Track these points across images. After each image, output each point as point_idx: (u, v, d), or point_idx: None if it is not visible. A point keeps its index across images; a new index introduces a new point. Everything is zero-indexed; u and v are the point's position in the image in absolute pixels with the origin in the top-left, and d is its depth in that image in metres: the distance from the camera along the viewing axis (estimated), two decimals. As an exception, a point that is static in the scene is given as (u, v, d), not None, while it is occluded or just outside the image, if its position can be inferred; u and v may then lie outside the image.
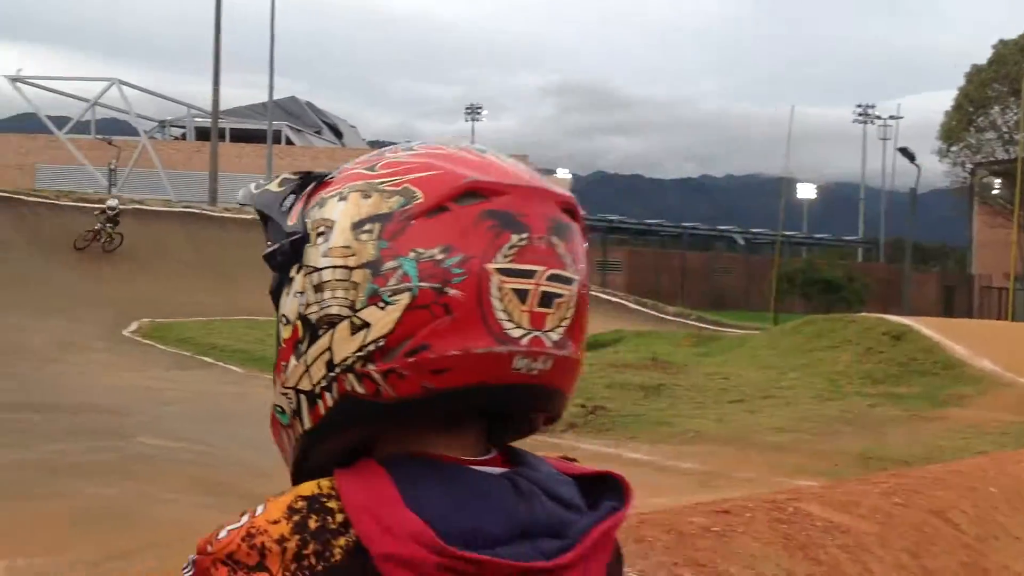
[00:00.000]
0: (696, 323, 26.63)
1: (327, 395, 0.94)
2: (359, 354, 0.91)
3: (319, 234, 0.95)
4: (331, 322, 0.93)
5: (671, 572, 3.57)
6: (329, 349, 0.93)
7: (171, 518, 6.37)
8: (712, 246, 61.34)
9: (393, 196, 0.93)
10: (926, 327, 15.24)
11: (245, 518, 0.90)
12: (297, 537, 0.87)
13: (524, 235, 0.92)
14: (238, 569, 0.87)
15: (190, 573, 0.91)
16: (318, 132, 74.71)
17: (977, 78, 49.44)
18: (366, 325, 0.91)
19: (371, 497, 0.88)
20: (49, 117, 61.31)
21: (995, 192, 49.26)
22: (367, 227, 0.92)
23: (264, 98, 46.69)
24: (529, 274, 0.92)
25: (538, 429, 1.05)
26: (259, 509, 0.90)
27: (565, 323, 0.96)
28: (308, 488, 0.91)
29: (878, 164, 79.11)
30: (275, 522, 0.88)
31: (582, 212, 1.03)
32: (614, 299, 29.39)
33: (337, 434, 0.95)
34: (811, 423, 10.59)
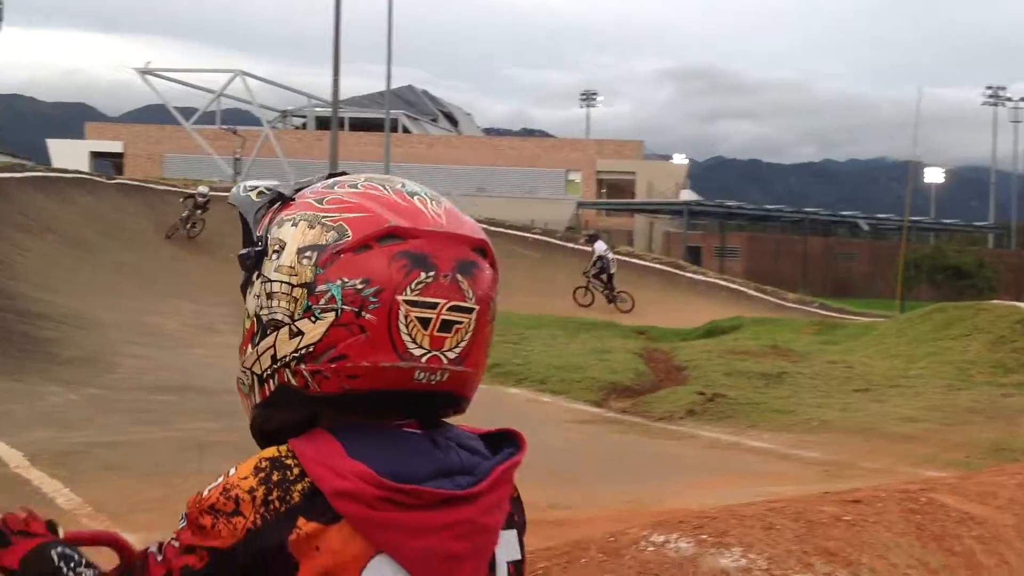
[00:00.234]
0: (818, 310, 26.05)
1: (271, 381, 1.21)
2: (295, 355, 1.17)
3: (274, 251, 1.21)
4: (276, 325, 1.19)
5: (801, 560, 3.51)
6: (273, 346, 1.19)
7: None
8: (834, 232, 59.90)
9: (330, 231, 1.18)
10: (1062, 315, 14.63)
11: (221, 479, 1.15)
12: (263, 487, 1.12)
13: (431, 273, 1.16)
14: (219, 516, 1.12)
15: (183, 524, 1.16)
16: (434, 120, 75.42)
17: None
18: (301, 333, 1.17)
19: (320, 451, 1.14)
20: (176, 108, 63.21)
21: None
22: (307, 254, 1.17)
23: (382, 87, 47.32)
24: (432, 306, 1.16)
25: (447, 418, 1.28)
26: (232, 471, 1.15)
27: (462, 345, 1.20)
28: (270, 452, 1.16)
29: (1009, 147, 76.24)
30: (244, 478, 1.14)
31: (493, 250, 1.26)
32: (732, 286, 28.97)
33: (281, 411, 1.22)
34: (940, 413, 10.26)
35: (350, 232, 1.17)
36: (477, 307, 1.21)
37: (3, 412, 8.71)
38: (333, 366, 1.16)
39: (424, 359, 1.17)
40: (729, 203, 55.85)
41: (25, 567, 1.23)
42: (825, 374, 12.42)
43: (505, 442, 1.29)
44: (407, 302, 1.15)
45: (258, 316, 1.22)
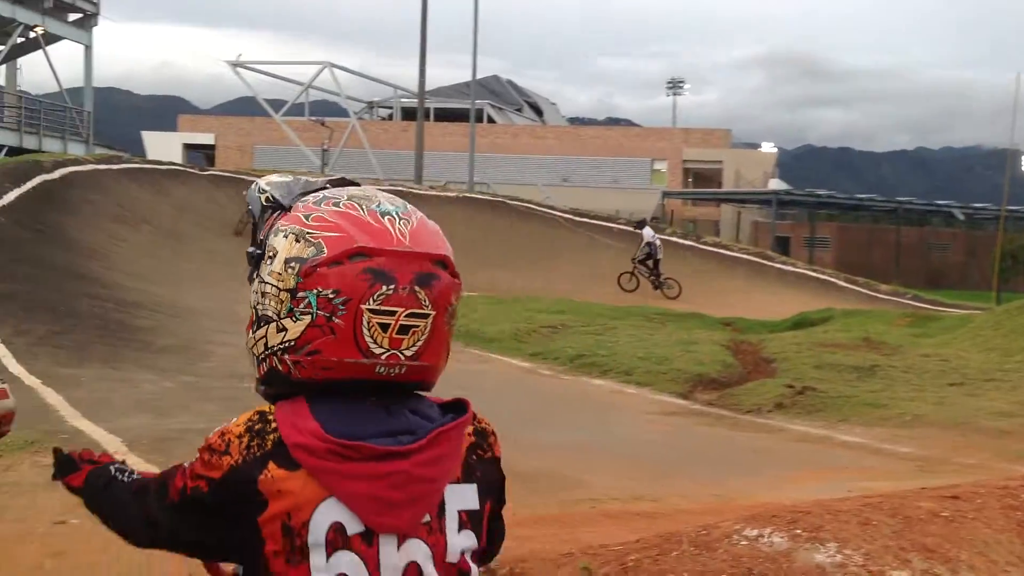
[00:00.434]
0: (911, 302, 25.48)
1: (264, 363, 1.50)
2: (280, 346, 1.46)
3: (269, 256, 1.48)
4: (267, 320, 1.48)
5: (898, 556, 3.45)
6: (265, 337, 1.49)
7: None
8: (928, 221, 58.49)
9: (311, 247, 1.44)
10: None
11: (224, 424, 1.46)
12: (248, 435, 1.43)
13: (391, 286, 1.42)
14: (215, 454, 1.44)
15: (196, 457, 1.47)
16: (519, 110, 75.48)
17: None
18: (285, 329, 1.46)
19: (292, 413, 1.44)
20: (266, 100, 64.24)
21: None
22: (292, 264, 1.44)
23: (467, 77, 47.43)
24: (391, 313, 1.43)
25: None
26: (231, 421, 1.46)
27: (418, 344, 1.46)
28: (262, 408, 1.47)
29: (1113, 134, 73.56)
30: (237, 426, 1.45)
31: (454, 263, 1.50)
32: (822, 276, 28.49)
33: (272, 387, 1.51)
34: (1038, 408, 9.98)
35: (326, 249, 1.43)
36: (433, 313, 1.47)
37: (101, 399, 8.96)
38: (309, 359, 1.45)
39: (383, 357, 1.44)
40: (819, 192, 54.86)
41: (87, 483, 1.72)
42: (918, 367, 12.14)
43: (459, 409, 1.54)
44: (370, 310, 1.42)
45: (255, 309, 1.51)
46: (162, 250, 20.33)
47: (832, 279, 28.17)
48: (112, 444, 7.39)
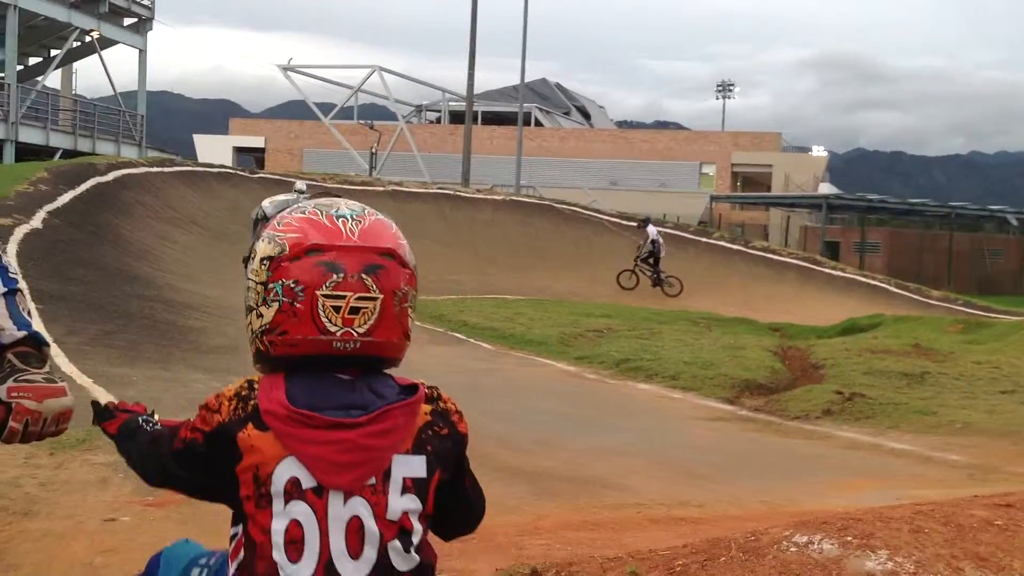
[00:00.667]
0: (963, 308, 25.13)
1: (252, 346, 1.83)
2: (260, 329, 1.79)
3: (251, 258, 1.81)
4: (251, 309, 1.81)
5: (950, 565, 3.40)
6: (250, 323, 1.82)
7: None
8: (981, 227, 57.63)
9: (277, 246, 1.77)
10: None
11: (221, 389, 1.77)
12: (236, 398, 1.75)
13: (341, 275, 1.74)
14: (210, 412, 1.76)
15: (197, 414, 1.79)
16: (567, 113, 75.44)
17: None
18: (262, 315, 1.78)
19: (269, 385, 1.75)
20: (316, 104, 64.70)
21: None
22: (264, 261, 1.78)
23: (515, 80, 47.53)
24: (342, 297, 1.73)
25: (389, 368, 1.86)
26: (227, 386, 1.78)
27: (369, 323, 1.75)
28: (252, 377, 1.78)
29: None
30: (229, 391, 1.77)
31: (402, 255, 1.82)
32: (873, 282, 28.17)
33: (259, 364, 1.84)
34: (1095, 417, 9.79)
35: (288, 248, 1.76)
36: (381, 296, 1.76)
37: (152, 399, 9.05)
38: (280, 338, 1.76)
39: (338, 334, 1.74)
40: (870, 196, 54.23)
41: (120, 431, 2.05)
42: (970, 375, 11.96)
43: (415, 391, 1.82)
44: (324, 295, 1.73)
45: (245, 301, 1.83)
46: (212, 251, 20.55)
47: (882, 284, 27.86)
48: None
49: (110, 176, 21.56)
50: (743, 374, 12.10)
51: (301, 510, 1.69)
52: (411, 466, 1.76)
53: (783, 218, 56.96)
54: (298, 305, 1.74)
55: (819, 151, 70.13)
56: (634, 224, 28.13)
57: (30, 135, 34.91)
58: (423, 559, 1.78)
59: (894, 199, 57.07)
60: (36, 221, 15.80)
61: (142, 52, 41.15)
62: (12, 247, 13.60)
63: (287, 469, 1.69)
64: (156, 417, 2.07)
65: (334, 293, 1.73)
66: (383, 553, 1.73)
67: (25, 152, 33.82)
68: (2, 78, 35.74)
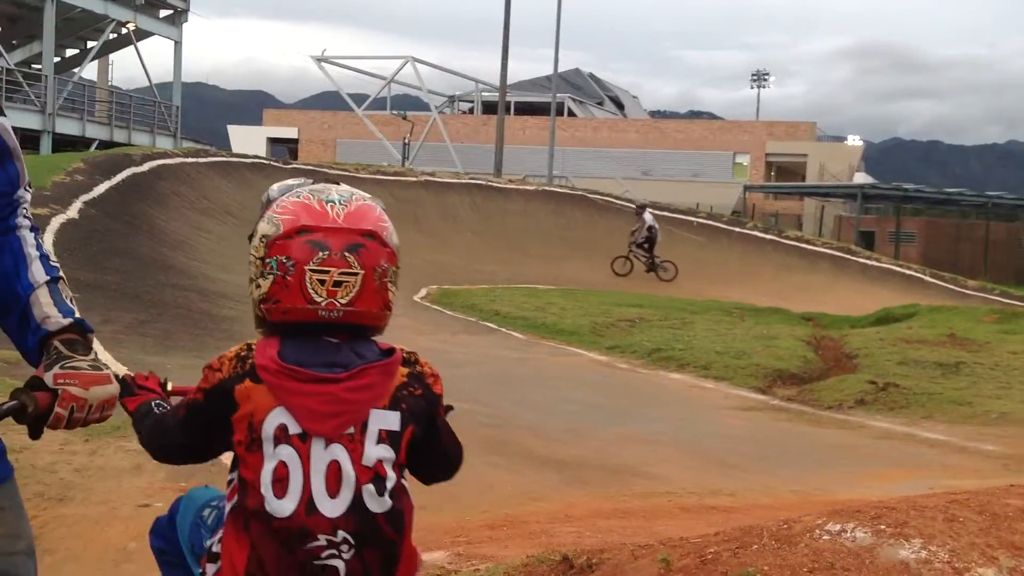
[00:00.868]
0: (999, 298, 24.86)
1: (254, 313, 2.08)
2: (259, 298, 2.04)
3: (254, 236, 2.08)
4: (252, 280, 2.06)
5: (985, 554, 3.36)
6: (251, 293, 2.06)
7: (468, 474, 6.58)
8: (1018, 216, 56.87)
9: (273, 226, 2.03)
10: None
11: (223, 352, 2.02)
12: (236, 358, 2.00)
13: (326, 252, 1.98)
14: (212, 371, 2.01)
15: (201, 378, 2.03)
16: (600, 103, 75.24)
17: None
18: (260, 286, 2.03)
19: (265, 345, 2.01)
20: (349, 95, 64.90)
21: None
22: (263, 239, 2.04)
23: (548, 71, 47.48)
24: (327, 272, 1.97)
25: (375, 336, 2.10)
26: (229, 349, 2.02)
27: (351, 295, 1.99)
28: (250, 341, 2.03)
29: None
30: (230, 352, 2.01)
31: (383, 236, 2.05)
32: (907, 271, 27.92)
33: (259, 328, 2.10)
34: None
35: (282, 228, 2.02)
36: (362, 272, 2.00)
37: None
38: (274, 306, 2.02)
39: (323, 304, 1.98)
40: (906, 186, 53.69)
41: (137, 410, 2.25)
42: (1006, 365, 11.83)
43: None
44: (311, 270, 1.98)
45: (249, 273, 2.07)
46: (245, 242, 20.59)
47: (917, 274, 27.60)
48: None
49: (145, 167, 21.73)
50: (776, 364, 12.04)
51: (287, 453, 1.94)
52: (386, 420, 1.99)
53: (817, 208, 56.54)
54: (289, 278, 1.99)
55: (854, 140, 69.56)
56: (634, 210, 28.06)
57: (67, 126, 35.27)
58: (396, 504, 1.99)
59: (930, 188, 56.48)
60: (72, 211, 15.96)
61: (177, 44, 41.44)
62: (49, 237, 13.76)
63: (276, 417, 1.95)
64: (170, 386, 2.35)
65: (320, 268, 1.98)
66: (358, 494, 1.96)
67: (62, 143, 34.18)
68: (39, 70, 36.10)
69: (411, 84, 65.38)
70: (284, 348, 1.99)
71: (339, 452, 1.95)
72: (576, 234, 27.30)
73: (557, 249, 26.43)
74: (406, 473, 2.06)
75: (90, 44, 40.96)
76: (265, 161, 30.10)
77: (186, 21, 41.94)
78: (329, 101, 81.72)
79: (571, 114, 66.83)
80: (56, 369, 2.15)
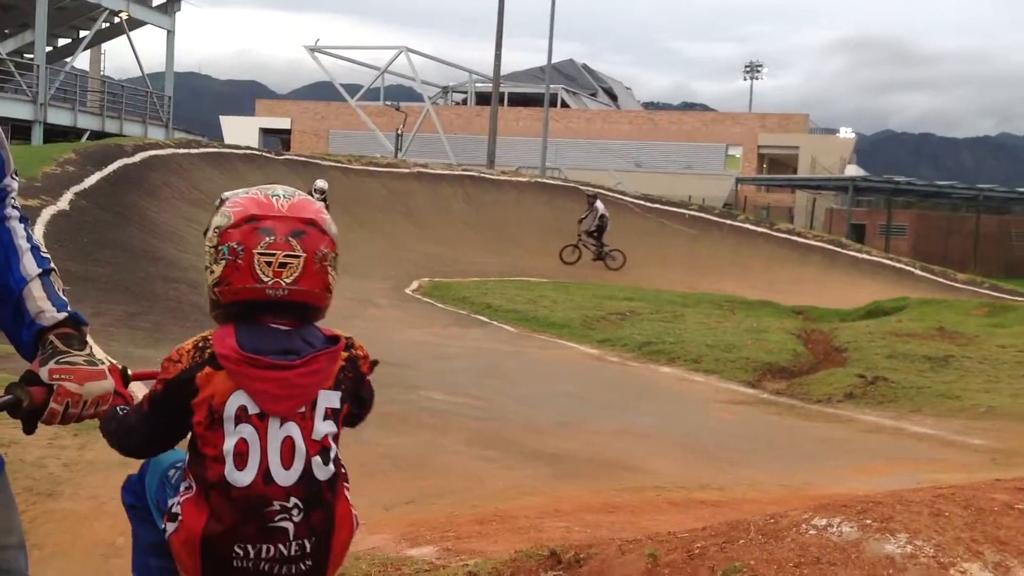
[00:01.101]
0: (989, 292, 24.95)
1: (208, 296, 2.29)
2: (213, 282, 2.25)
3: (208, 229, 2.28)
4: (207, 267, 2.26)
5: (970, 548, 3.39)
6: (207, 279, 2.26)
7: (458, 469, 6.64)
8: (1009, 209, 57.04)
9: (226, 218, 2.25)
10: None
11: (178, 346, 2.21)
12: (194, 349, 2.19)
13: (272, 238, 2.21)
14: (171, 363, 2.19)
15: (161, 369, 2.22)
16: (593, 95, 75.16)
17: None
18: (214, 271, 2.24)
19: (222, 334, 2.20)
20: (342, 85, 64.73)
21: None
22: (216, 230, 2.25)
23: (542, 62, 47.37)
24: (273, 255, 2.20)
25: (314, 321, 2.33)
26: (184, 343, 2.21)
27: (294, 276, 2.22)
28: (205, 333, 2.23)
29: None
30: (187, 344, 2.21)
31: (322, 224, 2.29)
32: (897, 265, 27.99)
33: (214, 312, 2.30)
34: (1121, 402, 9.70)
35: (233, 218, 2.24)
36: (304, 255, 2.23)
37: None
38: (227, 288, 2.23)
39: (270, 283, 2.21)
40: (897, 179, 53.75)
41: (104, 416, 2.34)
42: (994, 358, 11.88)
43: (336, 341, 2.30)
44: (258, 253, 2.20)
45: (203, 263, 2.29)
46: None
47: (908, 267, 27.67)
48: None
49: (137, 157, 21.68)
50: (765, 357, 12.07)
51: (248, 431, 2.17)
52: (331, 399, 2.26)
53: (809, 200, 56.62)
54: (240, 261, 2.21)
55: (846, 133, 69.59)
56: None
57: (58, 116, 35.14)
58: (336, 471, 2.27)
59: (921, 181, 56.53)
60: (63, 202, 15.92)
61: (170, 33, 41.30)
62: (39, 228, 13.72)
63: (237, 399, 2.17)
64: (130, 372, 2.50)
65: (267, 252, 2.21)
66: (308, 465, 2.21)
67: (53, 133, 34.07)
68: (31, 59, 35.96)
69: (405, 75, 65.25)
70: (240, 337, 2.20)
71: (293, 429, 2.20)
72: (568, 226, 27.28)
73: (549, 241, 26.43)
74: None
75: (83, 33, 40.83)
76: (257, 152, 30.05)
77: (179, 10, 41.82)
78: (322, 92, 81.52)
79: (564, 105, 66.76)
80: (52, 364, 2.16)
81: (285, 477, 2.19)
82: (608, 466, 7.03)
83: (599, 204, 26.20)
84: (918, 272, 27.12)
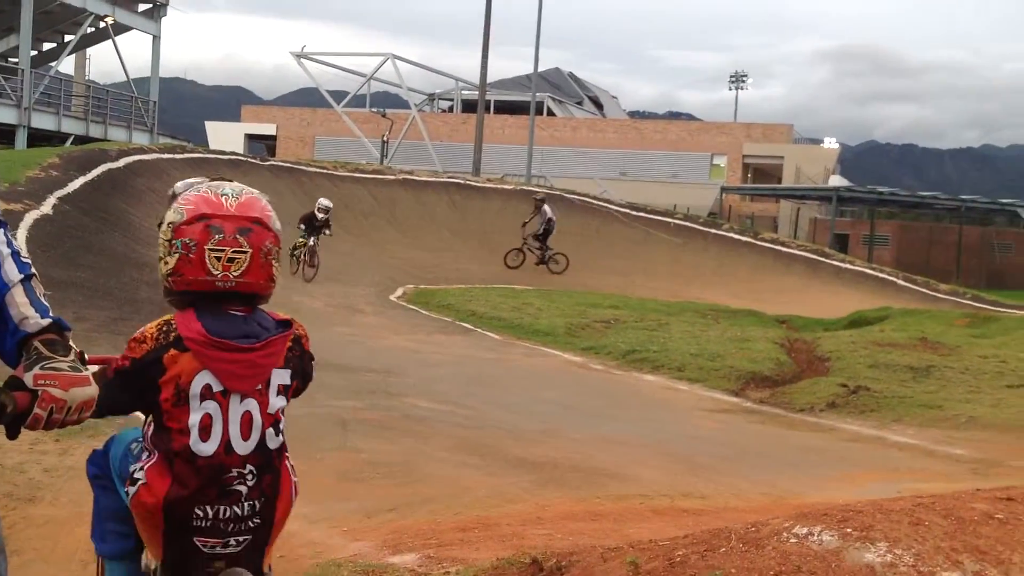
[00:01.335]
0: (971, 302, 25.07)
1: (162, 285, 2.53)
2: (166, 273, 2.48)
3: (162, 223, 2.51)
4: (161, 258, 2.49)
5: (949, 557, 3.41)
6: (160, 269, 2.50)
7: (441, 476, 6.63)
8: (992, 221, 57.35)
9: (179, 215, 2.47)
10: None
11: (144, 327, 2.43)
12: (159, 332, 2.42)
13: (221, 235, 2.44)
14: (137, 343, 2.42)
15: (127, 346, 2.43)
16: (579, 103, 75.22)
17: None
18: (168, 263, 2.47)
19: (185, 319, 2.43)
20: (329, 91, 64.62)
21: None
22: (170, 225, 2.48)
23: (528, 70, 47.47)
24: (222, 251, 2.43)
25: (259, 306, 2.57)
26: (147, 326, 2.43)
27: (242, 269, 2.45)
28: (167, 317, 2.46)
29: None
30: (151, 327, 2.43)
31: (267, 223, 2.54)
32: (881, 275, 28.09)
33: (167, 297, 2.54)
34: (1100, 413, 9.76)
35: (185, 215, 2.47)
36: (250, 251, 2.46)
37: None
38: (179, 279, 2.47)
39: (219, 276, 2.44)
40: (880, 189, 53.95)
41: None
42: (976, 368, 11.94)
43: (287, 324, 2.58)
44: (209, 249, 2.43)
45: (158, 253, 2.51)
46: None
47: (890, 277, 27.79)
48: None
49: (121, 162, 21.61)
50: (749, 366, 12.10)
51: (211, 406, 2.42)
52: (282, 376, 2.53)
53: (793, 210, 56.79)
54: (192, 255, 2.44)
55: (831, 143, 69.86)
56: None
57: (42, 121, 34.99)
58: (283, 440, 2.55)
59: (904, 192, 56.78)
60: (47, 207, 15.85)
61: (156, 38, 41.19)
62: (22, 233, 13.65)
63: (203, 378, 2.41)
64: (87, 356, 2.55)
65: (216, 247, 2.44)
66: (262, 436, 2.48)
67: (37, 138, 33.91)
68: (16, 63, 35.81)
69: (391, 82, 65.19)
70: (205, 322, 2.44)
71: (252, 404, 2.47)
72: (554, 234, 27.31)
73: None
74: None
75: (68, 38, 40.67)
76: (242, 157, 29.96)
77: (165, 15, 41.71)
78: (308, 98, 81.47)
79: (550, 113, 66.80)
80: (36, 370, 2.15)
81: (244, 447, 2.46)
82: (591, 474, 7.04)
83: (547, 208, 26.18)
84: (901, 282, 27.24)
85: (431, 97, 73.08)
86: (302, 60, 62.48)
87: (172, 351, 2.40)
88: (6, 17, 37.49)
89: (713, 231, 30.30)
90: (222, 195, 2.51)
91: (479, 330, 15.38)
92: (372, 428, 7.99)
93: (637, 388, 11.47)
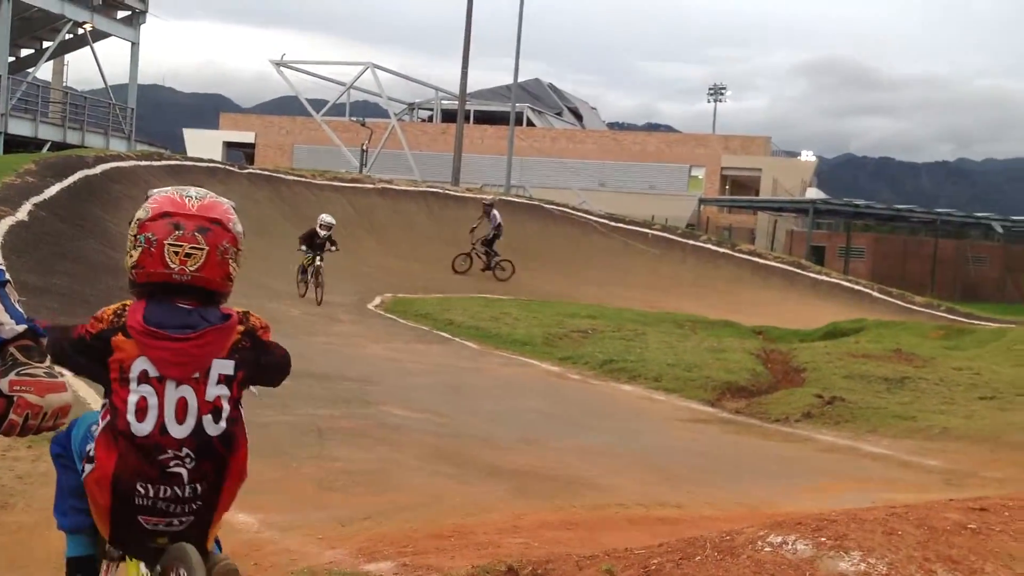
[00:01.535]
0: (945, 314, 25.26)
1: (127, 276, 2.73)
2: (131, 265, 2.70)
3: (132, 221, 2.72)
4: (127, 251, 2.71)
5: (922, 567, 3.44)
6: (126, 261, 2.72)
7: (416, 484, 6.62)
8: (966, 234, 57.80)
9: (145, 212, 2.70)
10: None
11: (103, 309, 2.67)
12: (114, 314, 2.65)
13: (180, 232, 2.65)
14: (97, 320, 2.65)
15: (89, 320, 2.66)
16: (559, 114, 75.34)
17: None
18: (132, 256, 2.69)
19: (135, 308, 2.65)
20: (308, 100, 64.50)
21: None
22: (136, 221, 2.71)
23: (508, 80, 47.52)
24: (180, 246, 2.65)
25: (218, 303, 2.75)
26: (109, 306, 2.67)
27: (198, 264, 2.65)
28: (126, 302, 2.69)
29: None
30: (111, 308, 2.67)
31: (225, 223, 2.73)
32: (856, 287, 28.28)
33: (131, 288, 2.73)
34: (1073, 425, 9.85)
35: (150, 212, 2.68)
36: (207, 248, 2.66)
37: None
38: (141, 271, 2.66)
39: (176, 269, 2.64)
40: (857, 202, 54.30)
41: (51, 334, 2.67)
42: (949, 380, 12.03)
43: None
44: (168, 244, 2.64)
45: (126, 247, 2.71)
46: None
47: (866, 289, 27.98)
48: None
49: (98, 169, 21.50)
50: (725, 377, 12.15)
51: (147, 390, 2.60)
52: (224, 366, 2.67)
53: (770, 222, 57.08)
54: (153, 249, 2.64)
55: (808, 156, 70.26)
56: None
57: (19, 127, 34.76)
58: (229, 429, 2.67)
59: (880, 205, 57.17)
60: (22, 213, 15.75)
61: (134, 45, 41.00)
62: (-3, 239, 13.56)
63: (141, 364, 2.59)
64: (39, 322, 2.68)
65: (176, 243, 2.64)
66: (199, 421, 2.63)
67: (13, 144, 33.67)
68: (-8, 69, 35.56)
69: (371, 91, 65.14)
70: (148, 312, 2.63)
71: (187, 391, 2.62)
72: (532, 244, 27.36)
73: (514, 258, 26.45)
74: (243, 405, 2.73)
75: (46, 44, 40.38)
76: (220, 165, 29.85)
77: (144, 23, 41.48)
78: (288, 106, 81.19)
79: (530, 124, 66.86)
80: (12, 376, 2.15)
81: (179, 430, 2.61)
82: (568, 483, 7.04)
83: (496, 212, 26.23)
84: (876, 294, 27.43)
85: (411, 107, 73.08)
86: (282, 68, 62.40)
87: (120, 335, 2.61)
88: (-17, 22, 37.23)
89: (691, 242, 30.43)
90: (186, 197, 2.72)
91: (457, 339, 15.37)
92: (348, 436, 7.97)
93: (614, 398, 11.49)
